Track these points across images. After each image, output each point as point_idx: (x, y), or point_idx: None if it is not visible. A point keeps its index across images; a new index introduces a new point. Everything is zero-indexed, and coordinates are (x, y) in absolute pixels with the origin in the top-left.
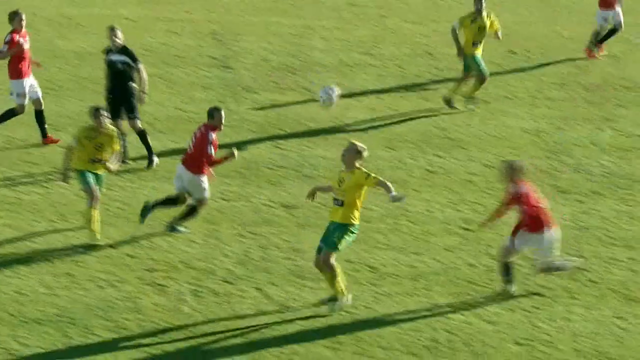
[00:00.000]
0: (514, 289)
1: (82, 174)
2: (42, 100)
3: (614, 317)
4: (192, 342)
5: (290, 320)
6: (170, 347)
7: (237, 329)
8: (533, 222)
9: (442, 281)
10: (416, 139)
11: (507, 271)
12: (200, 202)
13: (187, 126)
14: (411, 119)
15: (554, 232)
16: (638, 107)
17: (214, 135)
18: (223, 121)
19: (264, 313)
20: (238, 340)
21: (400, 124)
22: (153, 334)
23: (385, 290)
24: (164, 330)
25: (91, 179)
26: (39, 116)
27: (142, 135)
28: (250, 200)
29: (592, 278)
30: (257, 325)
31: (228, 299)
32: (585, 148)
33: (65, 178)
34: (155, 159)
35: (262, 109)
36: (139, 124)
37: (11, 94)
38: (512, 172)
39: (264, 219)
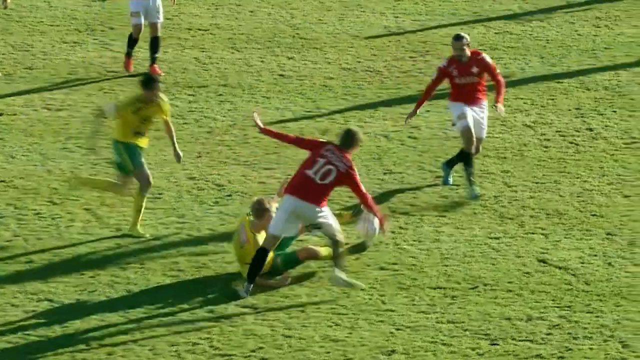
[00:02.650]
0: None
1: (128, 148)
2: (159, 27)
3: (486, 237)
4: (12, 271)
5: (126, 246)
6: None
7: (66, 256)
8: None
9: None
10: (264, 38)
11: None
12: None
13: None
14: (257, 14)
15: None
16: (510, 2)
17: None
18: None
19: (95, 237)
20: (67, 269)
21: (246, 20)
22: None
23: (232, 210)
24: None
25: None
26: (153, 42)
27: None
28: (78, 109)
29: (462, 194)
30: (88, 251)
31: (55, 221)
32: None
33: (93, 149)
34: None
35: (88, 5)
36: None
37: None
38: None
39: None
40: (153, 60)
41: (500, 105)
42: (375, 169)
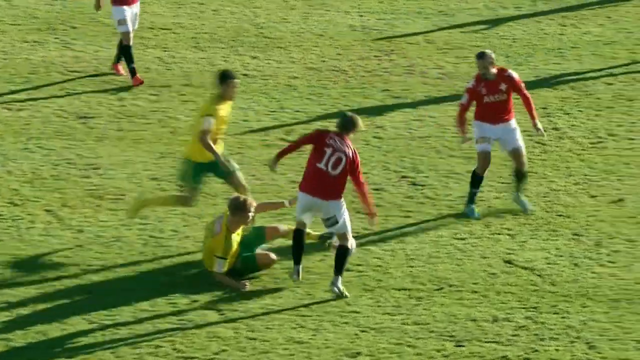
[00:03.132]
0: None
1: (200, 169)
2: (131, 34)
3: (452, 237)
4: None
5: (87, 247)
6: None
7: (26, 258)
8: None
9: (261, 200)
10: (228, 37)
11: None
12: None
13: None
14: (220, 13)
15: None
16: (476, 1)
17: None
18: None
19: (57, 239)
20: (27, 271)
21: (209, 19)
22: None
23: (196, 211)
24: None
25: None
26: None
27: None
28: (39, 109)
29: (428, 194)
30: (49, 253)
31: (15, 223)
32: (419, 47)
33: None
34: None
35: (49, 3)
36: None
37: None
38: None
39: (56, 131)
40: (118, 58)
41: (539, 124)
42: None
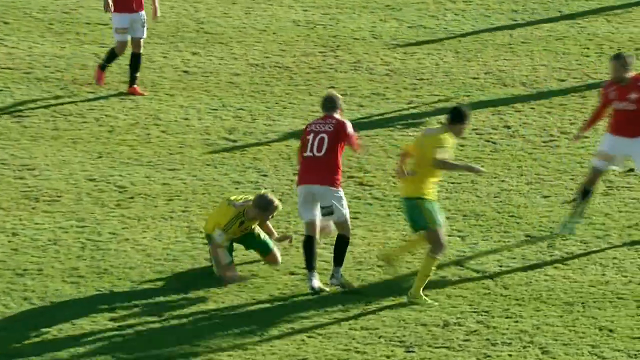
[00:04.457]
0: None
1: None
2: (142, 43)
3: (401, 239)
4: None
5: (22, 251)
6: None
7: None
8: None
9: (203, 201)
10: (167, 33)
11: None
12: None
13: None
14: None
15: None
16: None
17: None
18: None
19: None
20: None
21: (148, 14)
22: None
23: (135, 214)
24: None
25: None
26: (134, 59)
27: None
28: None
29: (376, 195)
30: None
31: None
32: (365, 42)
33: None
34: None
35: None
36: None
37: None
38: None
39: None
40: (133, 80)
41: None
42: (285, 169)
